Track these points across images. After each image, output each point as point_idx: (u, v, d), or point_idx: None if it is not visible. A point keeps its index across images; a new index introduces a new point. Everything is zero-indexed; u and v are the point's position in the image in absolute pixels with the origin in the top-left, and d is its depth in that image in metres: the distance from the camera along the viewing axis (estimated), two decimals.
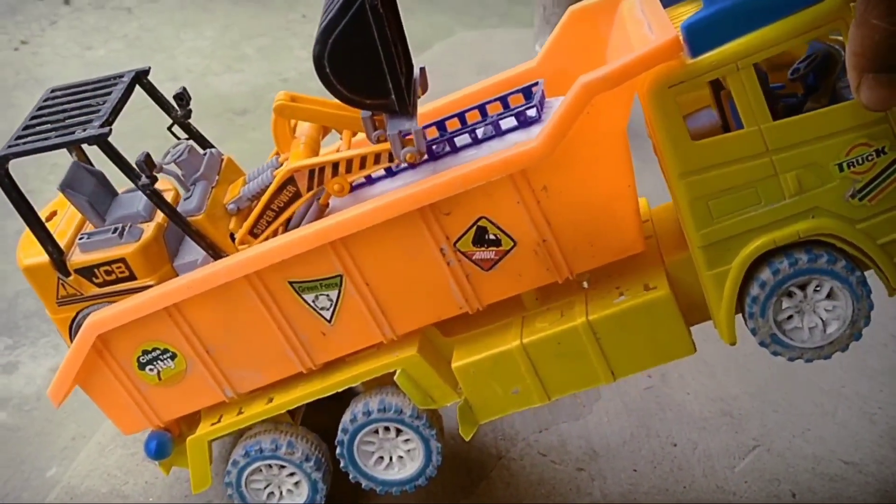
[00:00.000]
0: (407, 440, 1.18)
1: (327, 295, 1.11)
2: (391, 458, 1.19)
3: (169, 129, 1.25)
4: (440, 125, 1.16)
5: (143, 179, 1.08)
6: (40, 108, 1.18)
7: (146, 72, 1.23)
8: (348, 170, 1.05)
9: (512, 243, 1.06)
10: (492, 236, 1.05)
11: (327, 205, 1.14)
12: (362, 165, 1.05)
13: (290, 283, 1.11)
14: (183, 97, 1.22)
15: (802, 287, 1.01)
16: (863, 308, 1.00)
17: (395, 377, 1.14)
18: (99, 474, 1.39)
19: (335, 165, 1.05)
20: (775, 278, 1.00)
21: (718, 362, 1.50)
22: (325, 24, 0.96)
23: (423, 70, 1.13)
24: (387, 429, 1.17)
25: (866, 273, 1.01)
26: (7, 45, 3.35)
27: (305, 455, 1.21)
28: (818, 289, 1.01)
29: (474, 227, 1.05)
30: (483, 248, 1.06)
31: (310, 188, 1.07)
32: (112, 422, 1.25)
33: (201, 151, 1.23)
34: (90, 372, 1.18)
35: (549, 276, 1.08)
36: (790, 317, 1.03)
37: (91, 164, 1.26)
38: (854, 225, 0.97)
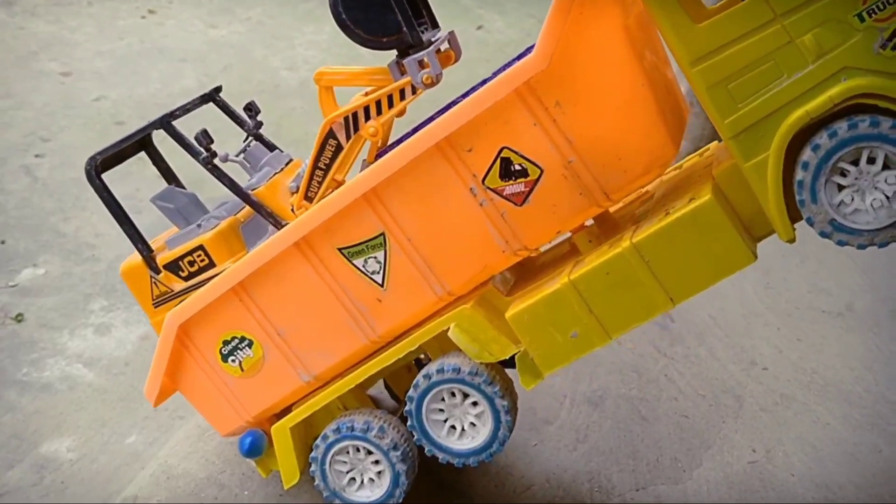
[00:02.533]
0: (475, 403, 1.14)
1: (375, 257, 1.12)
2: (463, 427, 1.15)
3: (244, 141, 1.34)
4: None
5: (203, 154, 1.17)
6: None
7: (218, 89, 1.34)
8: (379, 111, 1.09)
9: (539, 171, 1.03)
10: (517, 167, 1.04)
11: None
12: (391, 104, 1.09)
13: (340, 249, 1.13)
14: (252, 108, 1.32)
15: (856, 163, 0.91)
16: None
17: (448, 333, 1.12)
18: (197, 458, 1.41)
19: (366, 109, 1.10)
20: (817, 155, 0.91)
21: (826, 447, 1.42)
22: None
23: (452, 34, 1.17)
24: (453, 394, 1.14)
25: None
26: (135, 12, 3.40)
27: (394, 443, 1.20)
28: (873, 160, 0.90)
29: (498, 160, 1.04)
30: (512, 182, 1.05)
31: (348, 137, 1.11)
32: (208, 422, 1.30)
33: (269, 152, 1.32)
34: (179, 367, 1.25)
35: (584, 201, 1.04)
36: (851, 199, 0.92)
37: (185, 189, 1.38)
38: (895, 78, 0.88)
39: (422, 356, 1.32)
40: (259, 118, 1.33)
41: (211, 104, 1.34)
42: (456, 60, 1.18)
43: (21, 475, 1.51)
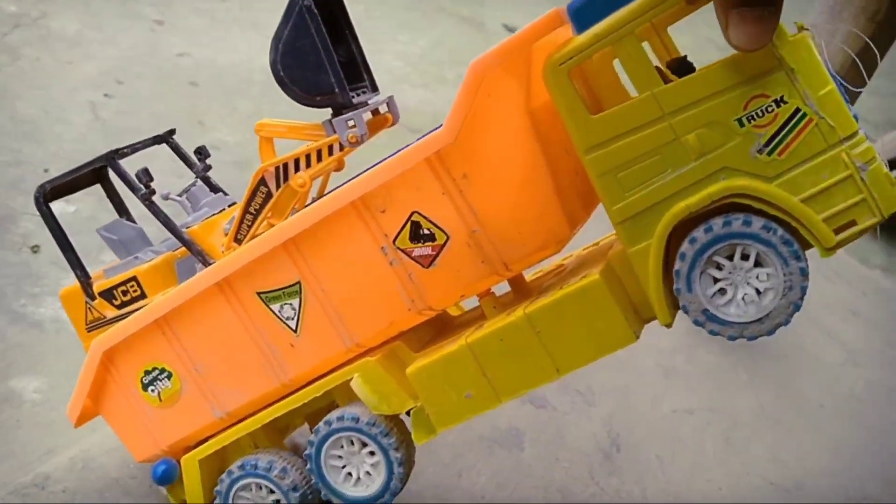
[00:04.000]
0: (372, 453, 1.18)
1: (290, 304, 1.18)
2: (359, 476, 1.19)
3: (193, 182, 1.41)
4: None
5: (142, 190, 1.23)
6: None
7: (172, 132, 1.41)
8: (308, 164, 1.16)
9: (445, 237, 1.09)
10: (426, 231, 1.09)
11: None
12: (319, 158, 1.15)
13: (258, 293, 1.19)
14: (202, 151, 1.39)
15: (731, 258, 0.96)
16: (794, 273, 0.93)
17: (351, 383, 1.16)
18: (118, 456, 1.43)
19: (297, 160, 1.16)
20: (694, 248, 0.96)
21: None
22: (275, 33, 1.11)
23: (391, 98, 1.24)
24: (351, 442, 1.18)
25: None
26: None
27: (294, 485, 1.24)
28: (746, 257, 0.96)
29: (409, 223, 1.10)
30: (420, 244, 1.10)
31: (278, 185, 1.18)
32: (126, 447, 1.35)
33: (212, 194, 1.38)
34: (101, 392, 1.30)
35: (486, 269, 1.09)
36: (723, 290, 0.97)
37: (135, 223, 1.45)
38: (769, 182, 0.93)
39: None
40: (208, 161, 1.40)
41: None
42: (393, 123, 1.25)
43: None
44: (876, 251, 3.15)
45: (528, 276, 1.27)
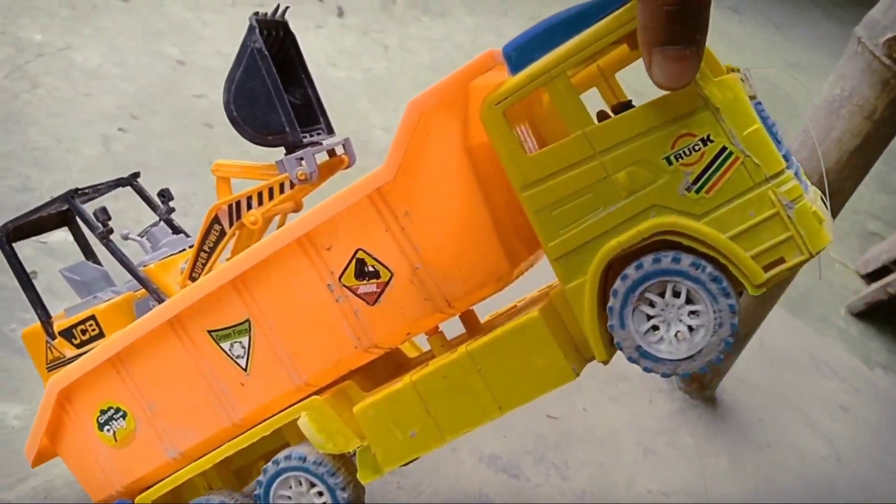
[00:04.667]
0: (320, 493, 1.17)
1: (240, 342, 1.19)
2: None
3: (153, 224, 1.43)
4: None
5: (100, 228, 1.25)
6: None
7: (136, 175, 1.44)
8: (260, 202, 1.18)
9: (390, 274, 1.10)
10: (370, 268, 1.11)
11: None
12: (270, 196, 1.18)
13: (209, 332, 1.20)
14: (165, 194, 1.41)
15: (664, 294, 0.97)
16: (723, 309, 0.94)
17: (298, 421, 1.17)
18: (80, 490, 1.41)
19: (248, 199, 1.18)
20: (625, 284, 0.97)
21: None
22: (228, 74, 1.14)
23: (348, 140, 1.26)
24: (300, 482, 1.18)
25: None
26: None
27: None
28: (678, 294, 0.96)
29: (354, 260, 1.11)
30: (365, 282, 1.11)
31: (231, 223, 1.20)
32: (83, 487, 1.35)
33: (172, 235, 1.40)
34: (58, 431, 1.31)
35: (430, 306, 1.10)
36: (656, 328, 0.98)
37: (101, 265, 1.47)
38: (698, 219, 0.94)
39: None
40: (171, 204, 1.42)
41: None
42: (349, 165, 1.27)
43: None
44: (880, 350, 3.12)
45: (487, 317, 1.28)
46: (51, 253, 1.82)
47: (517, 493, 1.74)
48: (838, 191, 2.09)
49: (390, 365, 1.30)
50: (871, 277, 3.60)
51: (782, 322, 2.88)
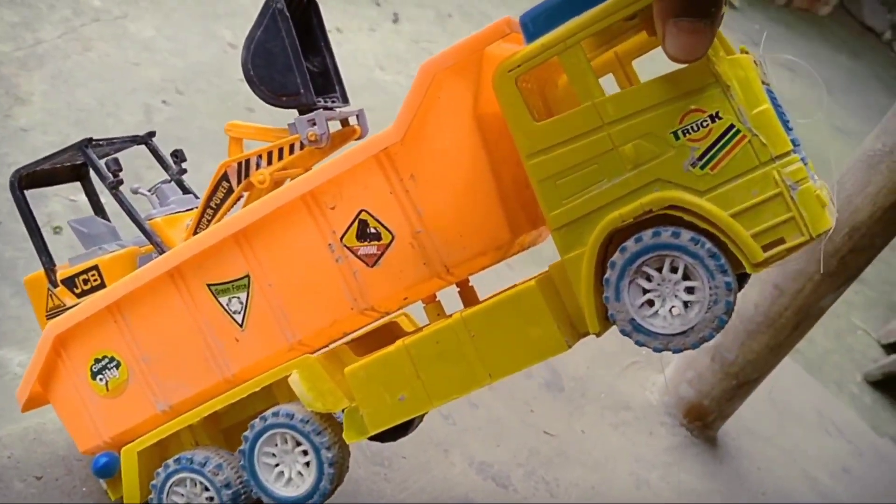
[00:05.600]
0: (304, 452, 1.17)
1: (238, 297, 1.19)
2: (290, 476, 1.19)
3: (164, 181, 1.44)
4: None
5: (110, 178, 1.26)
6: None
7: (152, 134, 1.45)
8: (269, 161, 1.19)
9: (391, 236, 1.10)
10: (372, 230, 1.11)
11: None
12: (280, 156, 1.18)
13: (208, 285, 1.20)
14: (178, 155, 1.42)
15: (661, 269, 0.97)
16: (719, 286, 0.94)
17: (289, 379, 1.17)
18: (69, 436, 1.40)
19: (259, 157, 1.19)
20: (623, 256, 0.97)
21: None
22: (248, 34, 1.15)
23: (362, 111, 1.27)
24: (285, 440, 1.18)
25: None
26: (348, 22, 3.32)
27: (228, 482, 1.23)
28: (676, 270, 0.96)
29: (356, 221, 1.12)
30: (366, 243, 1.12)
31: (239, 181, 1.20)
32: (71, 436, 1.35)
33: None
34: (51, 377, 1.31)
35: (427, 271, 1.10)
36: (651, 302, 0.98)
37: (110, 221, 1.48)
38: (701, 195, 0.94)
39: None
40: (184, 166, 1.43)
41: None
42: (361, 136, 1.28)
43: None
44: (891, 421, 3.11)
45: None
46: (78, 210, 1.83)
47: (503, 502, 1.73)
48: (868, 247, 2.09)
49: (388, 338, 1.30)
50: (891, 348, 3.59)
51: (795, 377, 2.86)
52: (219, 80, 2.71)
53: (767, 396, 2.53)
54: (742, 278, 1.08)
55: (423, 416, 1.39)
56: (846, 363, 3.28)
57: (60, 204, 1.85)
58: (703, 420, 2.37)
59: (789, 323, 2.27)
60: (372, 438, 1.20)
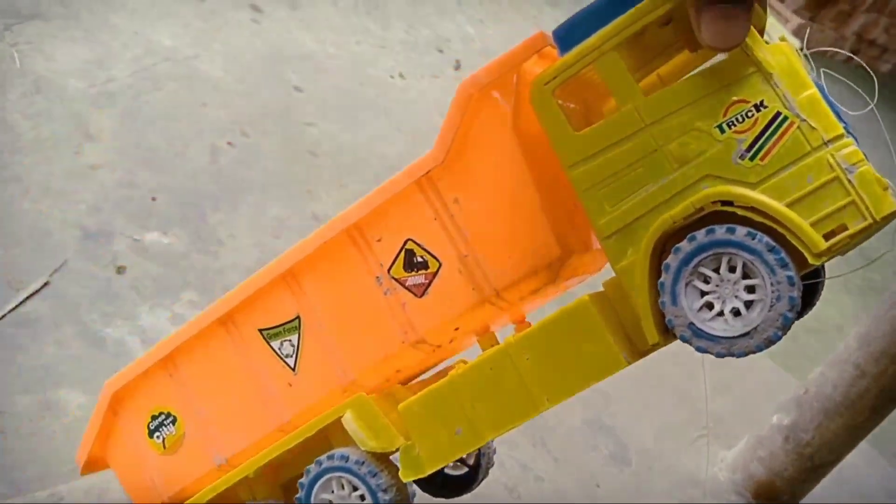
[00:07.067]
0: (362, 497, 1.13)
1: (290, 340, 1.18)
2: None
3: None
4: None
5: None
6: None
7: None
8: None
9: (438, 264, 1.08)
10: (419, 259, 1.09)
11: None
12: None
13: (260, 330, 1.19)
14: None
15: (718, 270, 0.92)
16: (781, 282, 0.88)
17: (342, 418, 1.13)
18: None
19: None
20: (678, 258, 0.93)
21: None
22: None
23: None
24: (342, 485, 1.14)
25: None
26: (412, 71, 3.34)
27: None
28: (734, 269, 0.92)
29: (403, 251, 1.10)
30: (414, 273, 1.10)
31: None
32: (130, 497, 1.33)
33: None
34: (109, 438, 1.30)
35: (477, 296, 1.07)
36: (710, 305, 0.93)
37: None
38: (753, 188, 0.90)
39: None
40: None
41: None
42: None
43: (28, 404, 1.51)
44: None
45: None
46: (142, 250, 1.85)
47: None
48: None
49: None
50: None
51: (862, 454, 2.72)
52: (283, 123, 2.77)
53: (838, 475, 2.39)
54: (813, 288, 1.02)
55: (487, 470, 1.34)
56: None
57: (124, 244, 1.87)
58: (775, 500, 2.26)
59: (869, 405, 2.19)
60: (434, 494, 1.16)
